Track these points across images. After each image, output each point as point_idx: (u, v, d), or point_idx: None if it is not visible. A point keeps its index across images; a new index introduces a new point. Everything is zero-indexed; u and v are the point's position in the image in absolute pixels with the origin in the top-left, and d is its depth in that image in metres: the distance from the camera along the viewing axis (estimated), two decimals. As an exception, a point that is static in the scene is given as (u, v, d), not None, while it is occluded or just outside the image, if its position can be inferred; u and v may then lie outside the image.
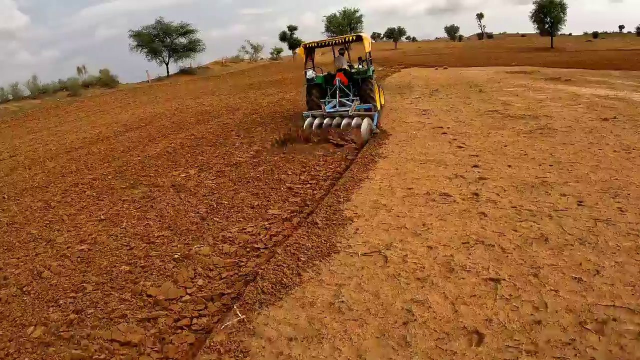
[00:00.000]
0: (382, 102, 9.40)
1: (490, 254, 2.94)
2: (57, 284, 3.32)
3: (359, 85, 8.09)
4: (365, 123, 6.94)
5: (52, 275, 3.47)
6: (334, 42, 8.66)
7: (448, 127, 7.17)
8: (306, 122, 7.37)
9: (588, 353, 1.97)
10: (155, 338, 2.54)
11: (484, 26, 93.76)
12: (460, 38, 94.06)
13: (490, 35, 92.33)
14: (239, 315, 2.51)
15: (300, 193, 4.70)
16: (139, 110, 15.04)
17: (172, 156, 7.16)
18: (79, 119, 14.75)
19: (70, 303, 3.01)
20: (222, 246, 3.61)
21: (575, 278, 2.55)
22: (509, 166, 4.83)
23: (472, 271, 2.74)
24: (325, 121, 7.24)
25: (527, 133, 6.35)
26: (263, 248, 3.50)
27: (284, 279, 2.85)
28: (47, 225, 4.69)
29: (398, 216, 3.74)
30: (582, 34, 71.44)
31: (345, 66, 8.69)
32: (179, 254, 3.53)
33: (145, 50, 34.10)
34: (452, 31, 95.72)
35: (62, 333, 2.67)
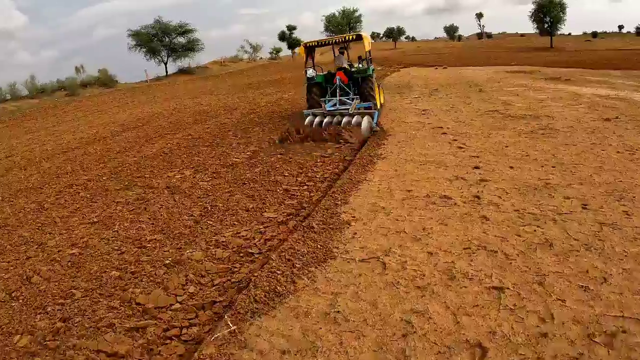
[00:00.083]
0: (382, 101, 9.40)
1: (493, 260, 2.83)
2: (46, 289, 3.23)
3: (359, 84, 8.13)
4: (365, 121, 7.01)
5: (42, 280, 3.39)
6: (334, 41, 8.69)
7: (448, 127, 7.06)
8: (307, 120, 7.45)
9: (597, 368, 1.87)
10: (143, 349, 2.43)
11: (483, 26, 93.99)
12: (460, 38, 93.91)
13: (489, 35, 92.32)
14: (230, 325, 2.39)
15: (297, 195, 4.59)
16: (136, 110, 14.94)
17: (168, 157, 7.06)
18: (76, 119, 14.66)
19: (58, 310, 2.93)
20: (215, 251, 3.49)
21: (582, 286, 2.45)
22: (511, 167, 4.72)
23: (474, 279, 2.63)
24: (325, 119, 7.33)
25: (528, 133, 6.24)
26: (257, 253, 3.38)
27: (278, 287, 2.73)
28: (40, 228, 4.60)
29: (397, 220, 3.63)
30: (581, 33, 71.33)
31: (345, 65, 8.68)
32: (170, 259, 3.42)
33: (144, 49, 34.13)
34: (451, 31, 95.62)
35: (48, 342, 2.58)
